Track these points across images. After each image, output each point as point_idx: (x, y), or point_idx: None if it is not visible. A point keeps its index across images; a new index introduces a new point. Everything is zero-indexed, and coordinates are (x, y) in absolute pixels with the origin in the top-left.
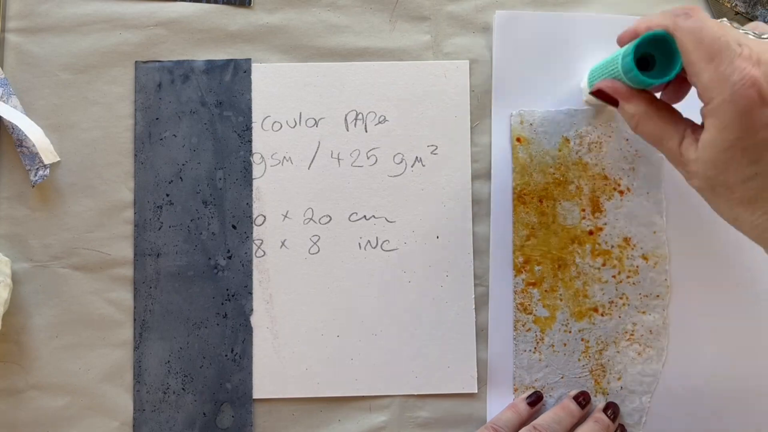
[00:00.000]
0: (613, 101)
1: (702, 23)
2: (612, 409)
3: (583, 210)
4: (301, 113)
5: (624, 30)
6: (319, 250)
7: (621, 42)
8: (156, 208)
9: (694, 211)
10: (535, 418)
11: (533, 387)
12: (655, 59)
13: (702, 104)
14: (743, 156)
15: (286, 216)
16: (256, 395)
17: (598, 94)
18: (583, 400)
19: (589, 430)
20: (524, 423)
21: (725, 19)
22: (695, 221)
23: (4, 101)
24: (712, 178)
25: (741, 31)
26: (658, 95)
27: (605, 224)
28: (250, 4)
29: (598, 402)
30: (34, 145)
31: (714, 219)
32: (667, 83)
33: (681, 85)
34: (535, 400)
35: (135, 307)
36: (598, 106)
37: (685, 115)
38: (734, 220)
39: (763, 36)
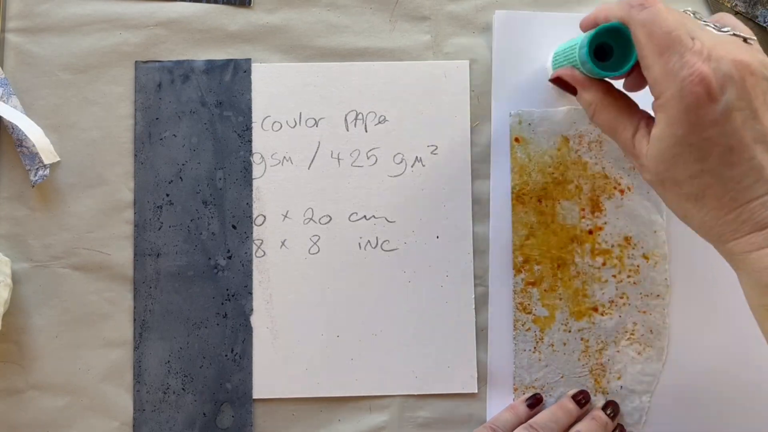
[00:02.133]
0: (571, 89)
1: (656, 15)
2: (612, 408)
3: (583, 209)
4: (301, 113)
5: (585, 16)
6: (319, 250)
7: (582, 27)
8: (156, 208)
9: None
10: None
11: (533, 387)
12: (613, 49)
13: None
14: (690, 153)
15: (286, 216)
16: (256, 395)
17: (557, 81)
18: (582, 399)
19: (587, 428)
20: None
21: (689, 9)
22: None
23: (4, 101)
24: (661, 173)
25: (702, 23)
26: (621, 82)
27: (605, 223)
28: (250, 4)
29: (598, 401)
30: (34, 145)
31: None
32: (628, 72)
33: (642, 73)
34: (534, 403)
35: (135, 307)
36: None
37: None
38: (683, 216)
39: (723, 29)
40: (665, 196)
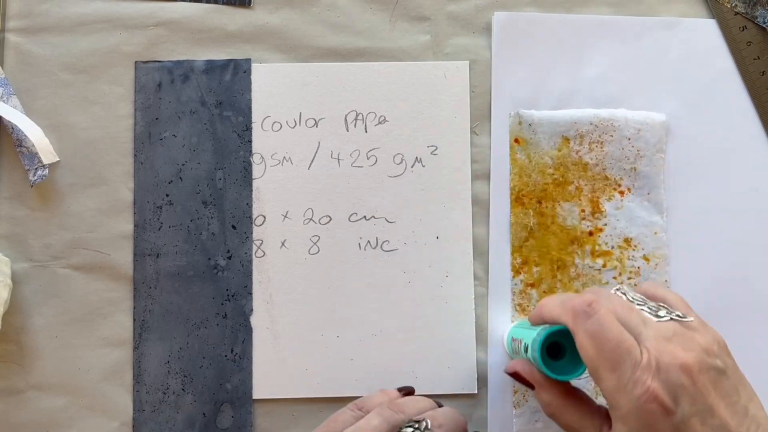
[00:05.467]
0: (529, 384)
1: (602, 325)
2: (407, 390)
3: (583, 211)
4: (301, 113)
5: (533, 311)
6: (319, 251)
7: (531, 321)
8: (156, 208)
9: (694, 212)
10: None
11: None
12: (565, 346)
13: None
14: None
15: (286, 216)
16: (256, 395)
17: (514, 375)
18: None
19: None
20: None
21: (627, 290)
22: (695, 222)
23: (4, 101)
24: None
25: (637, 306)
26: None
27: (605, 225)
28: (250, 4)
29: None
30: (33, 145)
31: (714, 219)
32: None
33: None
34: (407, 393)
35: (135, 307)
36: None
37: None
38: None
39: (659, 313)
40: None
